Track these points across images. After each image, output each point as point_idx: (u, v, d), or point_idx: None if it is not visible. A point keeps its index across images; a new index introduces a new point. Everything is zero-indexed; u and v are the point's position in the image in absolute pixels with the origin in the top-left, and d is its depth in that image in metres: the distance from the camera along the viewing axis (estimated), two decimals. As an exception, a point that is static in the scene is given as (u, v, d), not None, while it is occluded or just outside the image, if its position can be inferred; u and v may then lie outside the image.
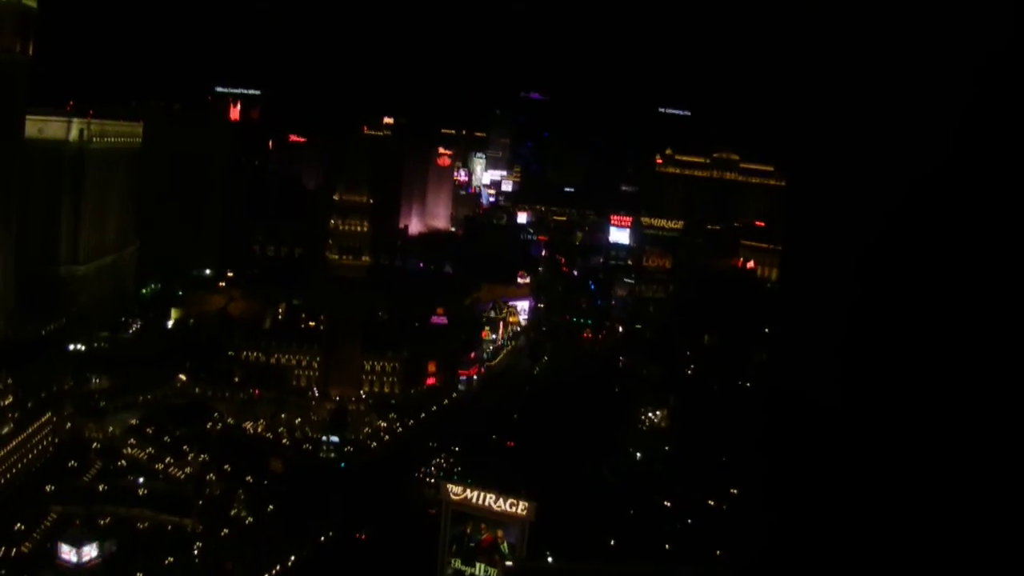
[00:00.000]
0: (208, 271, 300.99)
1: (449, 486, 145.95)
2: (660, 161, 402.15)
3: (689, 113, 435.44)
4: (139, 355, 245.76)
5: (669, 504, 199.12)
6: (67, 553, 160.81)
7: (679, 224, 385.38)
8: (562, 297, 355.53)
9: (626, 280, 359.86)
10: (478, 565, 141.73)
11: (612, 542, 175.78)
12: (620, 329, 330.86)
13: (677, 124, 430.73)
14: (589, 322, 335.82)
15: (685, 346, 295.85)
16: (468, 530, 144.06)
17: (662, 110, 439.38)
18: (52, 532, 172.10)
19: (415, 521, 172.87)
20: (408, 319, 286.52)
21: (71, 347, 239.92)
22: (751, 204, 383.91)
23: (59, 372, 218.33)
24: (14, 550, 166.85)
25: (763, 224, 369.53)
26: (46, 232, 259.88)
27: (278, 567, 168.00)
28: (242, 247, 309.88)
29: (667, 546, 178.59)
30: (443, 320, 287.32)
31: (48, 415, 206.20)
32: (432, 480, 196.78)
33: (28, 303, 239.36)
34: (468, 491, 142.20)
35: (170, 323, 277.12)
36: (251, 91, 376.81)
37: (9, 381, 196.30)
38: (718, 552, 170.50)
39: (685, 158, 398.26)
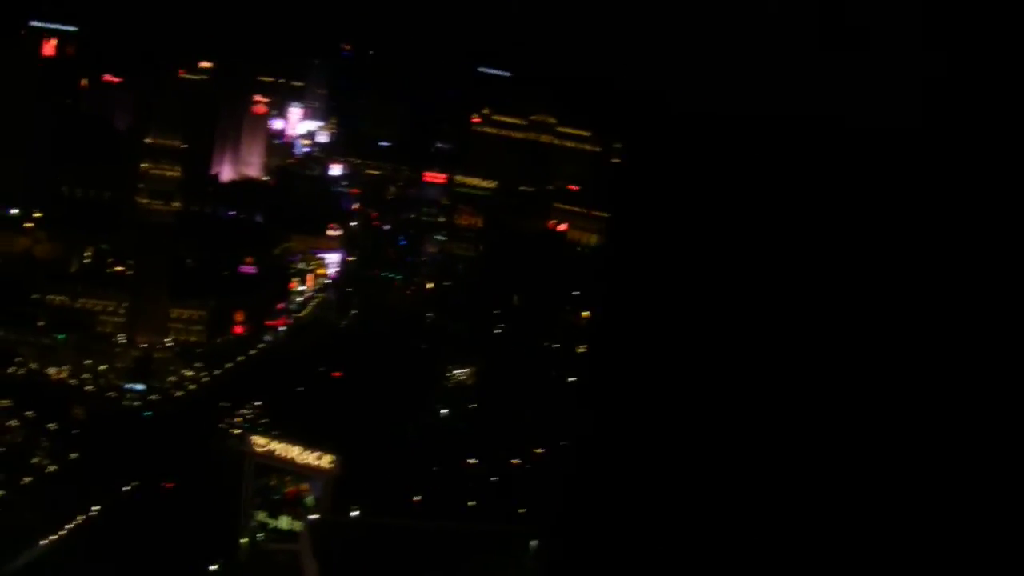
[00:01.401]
0: (13, 211, 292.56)
1: (253, 437, 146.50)
2: (477, 120, 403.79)
3: (509, 74, 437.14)
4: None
5: (473, 462, 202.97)
6: None
7: (493, 184, 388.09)
8: (372, 251, 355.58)
9: (437, 237, 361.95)
10: (283, 518, 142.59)
11: (417, 498, 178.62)
12: (429, 286, 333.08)
13: (496, 85, 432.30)
14: (399, 277, 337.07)
15: (494, 305, 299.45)
16: (273, 483, 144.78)
17: (482, 70, 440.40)
18: None
19: (219, 472, 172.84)
20: (216, 267, 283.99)
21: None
22: (566, 168, 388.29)
23: None
24: None
25: (577, 188, 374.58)
26: None
27: (82, 517, 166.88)
28: (49, 188, 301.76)
29: (471, 503, 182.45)
30: (252, 270, 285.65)
31: None
32: (237, 431, 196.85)
33: None
34: (272, 443, 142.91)
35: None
36: (68, 27, 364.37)
37: None
38: (521, 510, 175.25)
39: (502, 119, 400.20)
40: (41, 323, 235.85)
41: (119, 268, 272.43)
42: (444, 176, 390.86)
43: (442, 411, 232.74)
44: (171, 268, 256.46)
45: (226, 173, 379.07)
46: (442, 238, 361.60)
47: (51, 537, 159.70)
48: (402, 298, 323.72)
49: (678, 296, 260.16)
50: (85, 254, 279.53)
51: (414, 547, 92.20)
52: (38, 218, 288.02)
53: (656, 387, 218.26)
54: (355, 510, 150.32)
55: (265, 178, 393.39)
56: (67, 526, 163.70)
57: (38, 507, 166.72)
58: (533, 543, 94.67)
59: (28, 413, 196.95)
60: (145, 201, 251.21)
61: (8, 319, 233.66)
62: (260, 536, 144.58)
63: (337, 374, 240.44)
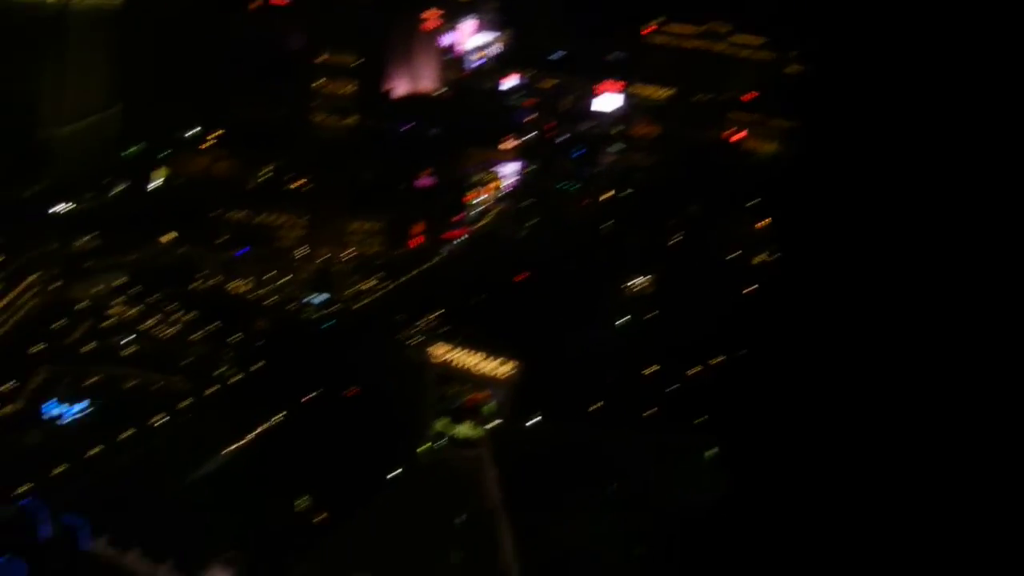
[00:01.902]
0: (192, 132, 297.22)
1: (433, 347, 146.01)
2: (652, 29, 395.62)
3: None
4: (124, 216, 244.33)
5: (651, 371, 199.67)
6: (54, 412, 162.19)
7: (669, 93, 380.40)
8: (548, 162, 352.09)
9: (613, 147, 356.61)
10: (463, 426, 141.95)
11: (595, 407, 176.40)
12: (606, 196, 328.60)
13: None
14: (575, 188, 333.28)
15: (671, 215, 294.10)
16: (453, 391, 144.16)
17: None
18: (40, 392, 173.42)
19: (400, 382, 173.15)
20: (394, 181, 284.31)
21: (55, 209, 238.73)
22: (742, 77, 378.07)
23: (44, 233, 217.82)
24: (2, 410, 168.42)
25: (754, 97, 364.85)
26: (28, 95, 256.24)
27: (265, 425, 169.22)
28: (227, 108, 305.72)
29: (648, 412, 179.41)
30: (429, 182, 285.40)
31: (34, 276, 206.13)
32: (417, 341, 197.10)
33: (10, 166, 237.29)
34: (452, 352, 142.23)
35: (155, 184, 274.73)
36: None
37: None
38: (698, 421, 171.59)
39: (676, 28, 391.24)
40: (223, 239, 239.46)
41: (297, 183, 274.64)
42: (619, 86, 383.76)
43: (619, 320, 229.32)
44: (348, 182, 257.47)
45: (400, 88, 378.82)
46: (618, 148, 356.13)
47: (235, 445, 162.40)
48: (579, 209, 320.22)
49: (857, 208, 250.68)
50: (263, 171, 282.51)
51: (592, 455, 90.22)
52: (217, 138, 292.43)
53: (833, 301, 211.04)
54: (534, 418, 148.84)
55: (439, 92, 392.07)
56: (250, 435, 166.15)
57: (223, 416, 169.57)
58: (709, 453, 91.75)
59: (212, 326, 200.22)
60: (320, 117, 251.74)
61: (191, 236, 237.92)
62: (440, 444, 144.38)
63: (521, 276, 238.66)
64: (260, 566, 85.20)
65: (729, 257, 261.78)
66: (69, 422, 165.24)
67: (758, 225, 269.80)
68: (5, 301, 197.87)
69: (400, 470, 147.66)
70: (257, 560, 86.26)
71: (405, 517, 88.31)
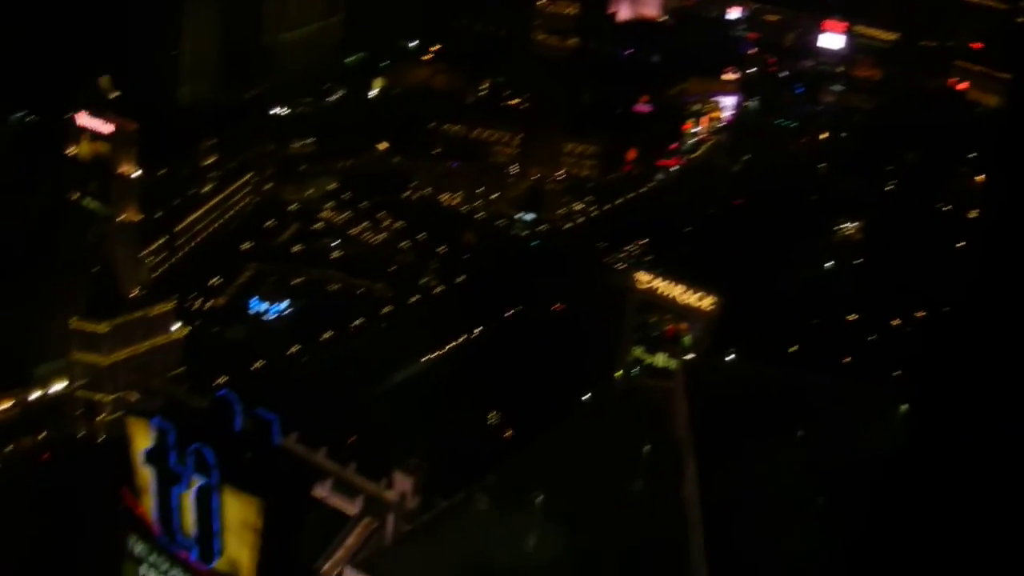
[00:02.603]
0: (413, 43, 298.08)
1: (637, 274, 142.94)
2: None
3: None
4: (341, 122, 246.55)
5: (853, 318, 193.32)
6: (259, 308, 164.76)
7: (894, 36, 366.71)
8: (768, 98, 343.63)
9: (834, 87, 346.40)
10: (659, 355, 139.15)
11: (793, 348, 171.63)
12: (823, 136, 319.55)
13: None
14: (793, 125, 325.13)
15: (887, 161, 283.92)
16: (653, 319, 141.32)
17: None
18: (247, 288, 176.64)
19: (601, 305, 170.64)
20: (611, 105, 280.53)
21: (274, 112, 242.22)
22: (970, 25, 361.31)
23: (261, 135, 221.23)
24: (209, 303, 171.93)
25: (981, 46, 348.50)
26: (252, 1, 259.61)
27: (464, 337, 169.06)
28: (449, 22, 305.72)
29: (846, 359, 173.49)
30: (646, 108, 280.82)
31: (249, 176, 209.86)
32: (622, 267, 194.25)
33: (233, 69, 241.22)
34: (656, 281, 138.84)
35: (373, 93, 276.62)
36: None
37: (213, 141, 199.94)
38: (896, 373, 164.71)
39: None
40: (437, 151, 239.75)
41: (514, 101, 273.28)
42: (844, 25, 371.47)
43: (826, 264, 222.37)
44: (566, 103, 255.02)
45: (623, 12, 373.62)
46: (839, 88, 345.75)
47: (432, 355, 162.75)
48: (795, 147, 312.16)
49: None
50: (481, 86, 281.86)
51: (785, 397, 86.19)
52: (437, 51, 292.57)
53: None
54: (731, 354, 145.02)
55: (662, 19, 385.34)
56: (448, 346, 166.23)
57: (423, 326, 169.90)
58: (903, 407, 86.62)
59: (421, 236, 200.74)
60: (542, 37, 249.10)
61: (407, 147, 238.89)
62: (635, 371, 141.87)
63: (731, 211, 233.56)
64: (443, 477, 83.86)
65: (943, 209, 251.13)
66: (272, 319, 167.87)
67: (976, 179, 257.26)
68: (219, 198, 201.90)
69: (592, 393, 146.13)
70: (441, 470, 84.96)
71: (592, 441, 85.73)
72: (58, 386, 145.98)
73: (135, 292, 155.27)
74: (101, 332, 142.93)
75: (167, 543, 73.30)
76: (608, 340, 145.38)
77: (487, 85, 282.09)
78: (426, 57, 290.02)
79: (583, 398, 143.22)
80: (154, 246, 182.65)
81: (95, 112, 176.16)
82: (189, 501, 68.66)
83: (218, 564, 68.82)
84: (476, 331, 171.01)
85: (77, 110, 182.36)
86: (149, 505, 73.77)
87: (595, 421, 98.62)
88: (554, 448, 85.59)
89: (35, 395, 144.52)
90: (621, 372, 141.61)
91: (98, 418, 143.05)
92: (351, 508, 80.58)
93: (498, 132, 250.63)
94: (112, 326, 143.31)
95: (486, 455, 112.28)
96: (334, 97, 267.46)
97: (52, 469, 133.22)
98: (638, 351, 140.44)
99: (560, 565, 69.66)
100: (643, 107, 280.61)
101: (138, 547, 76.69)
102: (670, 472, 76.55)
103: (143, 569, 77.30)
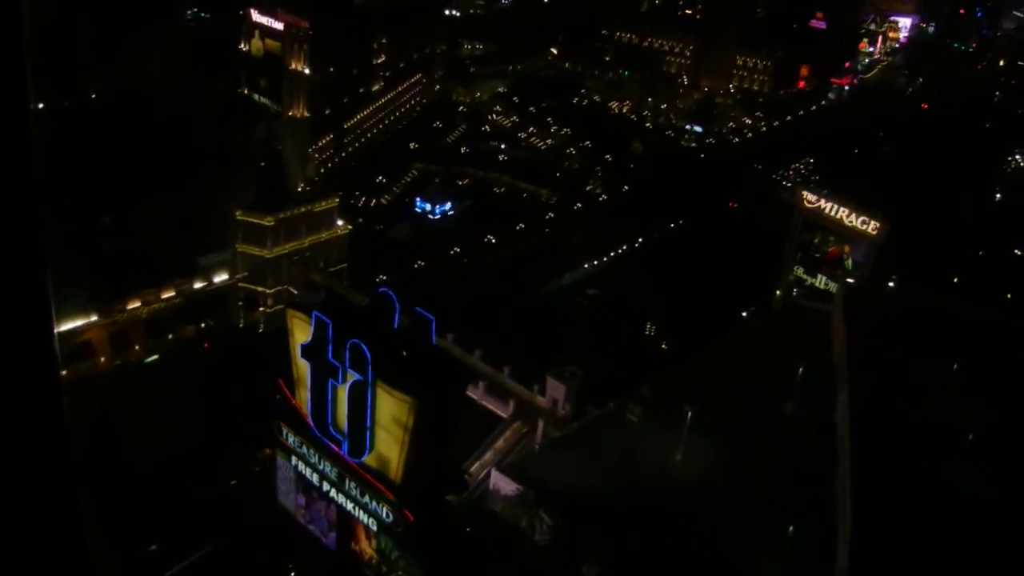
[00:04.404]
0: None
1: (805, 192, 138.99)
2: None
3: None
4: (514, 25, 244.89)
5: (1021, 252, 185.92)
6: (424, 207, 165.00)
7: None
8: (948, 20, 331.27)
9: (1018, 12, 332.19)
10: (819, 277, 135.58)
11: (955, 279, 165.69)
12: (1002, 63, 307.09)
13: None
14: (971, 49, 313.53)
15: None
16: (816, 240, 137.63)
17: None
18: (412, 187, 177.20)
19: (763, 220, 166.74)
20: (786, 19, 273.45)
21: (447, 12, 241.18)
22: None
23: (433, 36, 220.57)
24: (374, 200, 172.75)
25: None
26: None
27: (624, 247, 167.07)
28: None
29: (1010, 295, 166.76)
30: (821, 25, 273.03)
31: (419, 76, 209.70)
32: (788, 184, 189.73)
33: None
34: (823, 201, 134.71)
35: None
36: None
37: (383, 41, 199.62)
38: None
39: None
40: (608, 58, 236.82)
41: (689, 11, 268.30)
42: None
43: (996, 197, 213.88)
44: (740, 15, 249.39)
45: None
46: (1021, 14, 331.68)
47: (594, 262, 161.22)
48: (972, 72, 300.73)
49: None
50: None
51: (944, 327, 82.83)
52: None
53: None
54: (892, 280, 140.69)
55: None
56: (609, 254, 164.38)
57: (587, 232, 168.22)
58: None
59: (587, 143, 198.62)
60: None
61: (578, 53, 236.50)
62: (795, 291, 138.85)
63: (900, 137, 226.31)
64: (597, 386, 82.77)
65: None
66: (436, 219, 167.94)
67: None
68: (388, 98, 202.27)
69: (751, 311, 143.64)
70: (595, 379, 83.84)
71: (747, 358, 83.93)
72: (221, 277, 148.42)
73: (301, 187, 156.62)
74: (267, 225, 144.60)
75: (319, 435, 73.62)
76: (770, 258, 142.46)
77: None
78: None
79: (742, 315, 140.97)
80: (322, 143, 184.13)
81: (268, 10, 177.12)
82: (343, 395, 68.58)
83: (367, 459, 68.71)
84: (639, 240, 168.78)
85: (250, 7, 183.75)
86: (304, 397, 74.02)
87: (752, 339, 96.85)
88: (709, 363, 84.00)
89: (199, 285, 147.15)
90: (781, 291, 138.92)
91: (259, 310, 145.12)
92: (503, 412, 79.97)
93: (671, 42, 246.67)
94: (277, 220, 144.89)
95: (641, 366, 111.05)
96: (507, 0, 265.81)
97: (212, 357, 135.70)
98: (799, 271, 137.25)
99: (707, 480, 68.63)
100: (818, 23, 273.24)
101: (291, 437, 77.22)
102: (823, 396, 74.84)
103: (294, 459, 77.91)
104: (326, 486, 75.20)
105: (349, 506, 72.63)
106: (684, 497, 67.64)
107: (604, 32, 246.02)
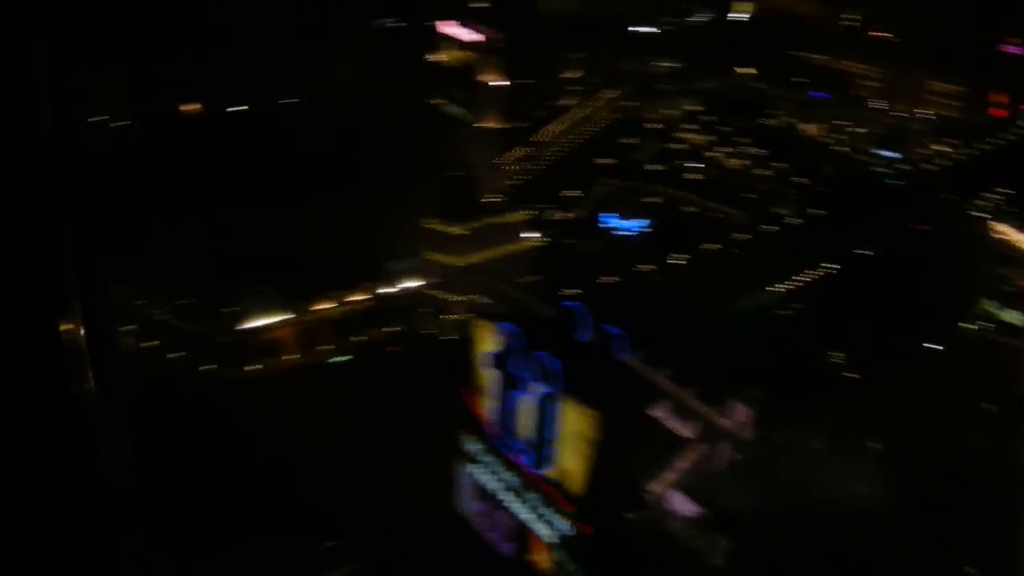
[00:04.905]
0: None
1: (996, 224, 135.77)
2: None
3: None
4: (703, 43, 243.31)
5: None
6: (611, 224, 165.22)
7: None
8: None
9: None
10: (1010, 311, 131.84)
11: None
12: None
13: None
14: None
15: None
16: (1007, 274, 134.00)
17: None
18: (600, 202, 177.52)
19: (957, 252, 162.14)
20: (981, 44, 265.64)
21: (638, 28, 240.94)
22: None
23: (624, 51, 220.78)
24: (560, 214, 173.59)
25: None
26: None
27: (813, 273, 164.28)
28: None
29: None
30: (1017, 50, 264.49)
31: (610, 93, 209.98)
32: (982, 215, 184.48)
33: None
34: (1015, 233, 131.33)
35: (737, 16, 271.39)
36: None
37: (575, 56, 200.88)
38: None
39: None
40: (799, 79, 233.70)
41: (881, 34, 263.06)
42: None
43: None
44: (935, 39, 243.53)
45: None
46: None
47: (781, 286, 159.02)
48: None
49: None
50: (849, 16, 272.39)
51: None
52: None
53: None
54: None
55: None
56: (796, 278, 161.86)
57: (775, 255, 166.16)
58: None
59: (778, 165, 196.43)
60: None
61: (768, 73, 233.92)
62: (983, 325, 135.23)
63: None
64: (780, 411, 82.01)
65: None
66: (624, 235, 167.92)
67: None
68: (581, 114, 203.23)
69: (937, 342, 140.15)
70: (778, 404, 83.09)
71: (933, 390, 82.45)
72: (409, 283, 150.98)
73: (491, 198, 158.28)
74: (456, 235, 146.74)
75: (501, 445, 74.25)
76: (959, 289, 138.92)
77: (856, 15, 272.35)
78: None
79: (927, 345, 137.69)
80: (512, 155, 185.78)
81: (462, 21, 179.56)
82: (528, 407, 69.14)
83: (549, 472, 69.15)
84: (827, 266, 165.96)
85: (442, 18, 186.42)
86: (487, 407, 74.84)
87: (938, 372, 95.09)
88: (893, 394, 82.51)
89: (387, 290, 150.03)
90: (969, 325, 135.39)
91: (445, 317, 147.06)
92: (685, 432, 79.71)
93: (863, 65, 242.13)
94: (467, 229, 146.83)
95: (825, 393, 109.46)
96: (697, 18, 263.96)
97: (398, 362, 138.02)
98: (988, 305, 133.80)
99: (886, 514, 67.47)
100: (1014, 48, 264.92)
101: (472, 446, 78.14)
102: (1011, 433, 72.98)
103: (475, 467, 78.74)
104: (505, 495, 75.97)
105: (527, 516, 73.31)
106: (862, 530, 66.63)
107: (794, 53, 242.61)
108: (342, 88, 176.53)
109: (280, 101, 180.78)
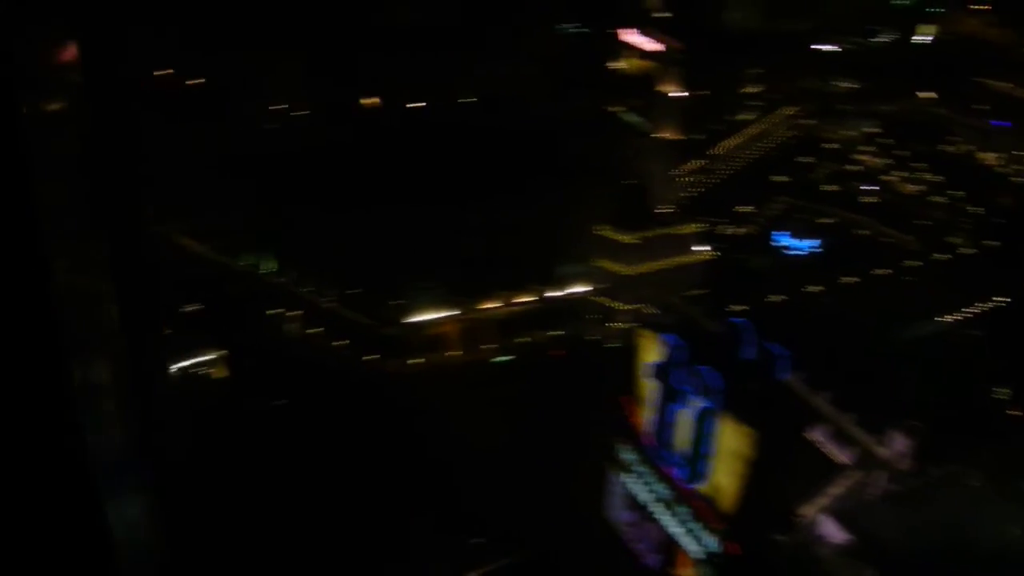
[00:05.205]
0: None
1: None
2: None
3: None
4: (885, 65, 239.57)
5: None
6: (784, 242, 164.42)
7: None
8: None
9: None
10: None
11: None
12: None
13: None
14: None
15: None
16: None
17: None
18: (774, 220, 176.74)
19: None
20: None
21: (818, 48, 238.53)
22: None
23: (804, 70, 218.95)
24: (731, 229, 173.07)
25: None
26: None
27: (987, 304, 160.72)
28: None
29: None
30: None
31: (789, 110, 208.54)
32: None
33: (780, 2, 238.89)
34: None
35: (920, 39, 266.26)
36: None
37: (755, 70, 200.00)
38: None
39: None
40: (981, 106, 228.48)
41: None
42: None
43: None
44: None
45: None
46: None
47: (950, 317, 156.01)
48: None
49: None
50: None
51: None
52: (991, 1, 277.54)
53: None
54: None
55: None
56: (970, 309, 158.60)
57: (947, 285, 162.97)
58: None
59: (955, 192, 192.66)
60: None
61: (950, 98, 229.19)
62: None
63: None
64: (940, 444, 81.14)
65: None
66: (796, 255, 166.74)
67: None
68: (759, 129, 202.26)
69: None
70: (939, 437, 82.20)
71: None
72: (577, 288, 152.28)
73: (665, 209, 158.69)
74: (627, 243, 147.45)
75: (655, 457, 74.94)
76: None
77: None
78: (979, 7, 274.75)
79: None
80: (687, 166, 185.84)
81: (644, 30, 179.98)
82: (685, 420, 69.75)
83: (701, 487, 69.64)
84: (998, 299, 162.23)
85: (625, 26, 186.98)
86: (645, 417, 75.60)
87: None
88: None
89: (554, 293, 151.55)
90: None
91: (610, 325, 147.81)
92: (842, 457, 79.37)
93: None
94: (639, 239, 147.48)
95: (987, 430, 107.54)
96: (880, 38, 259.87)
97: (560, 366, 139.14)
98: None
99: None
100: None
101: (627, 455, 78.89)
102: None
103: (628, 476, 79.47)
104: (656, 507, 76.59)
105: (676, 530, 73.83)
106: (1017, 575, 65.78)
107: (977, 79, 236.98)
108: (523, 90, 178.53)
109: (458, 100, 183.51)
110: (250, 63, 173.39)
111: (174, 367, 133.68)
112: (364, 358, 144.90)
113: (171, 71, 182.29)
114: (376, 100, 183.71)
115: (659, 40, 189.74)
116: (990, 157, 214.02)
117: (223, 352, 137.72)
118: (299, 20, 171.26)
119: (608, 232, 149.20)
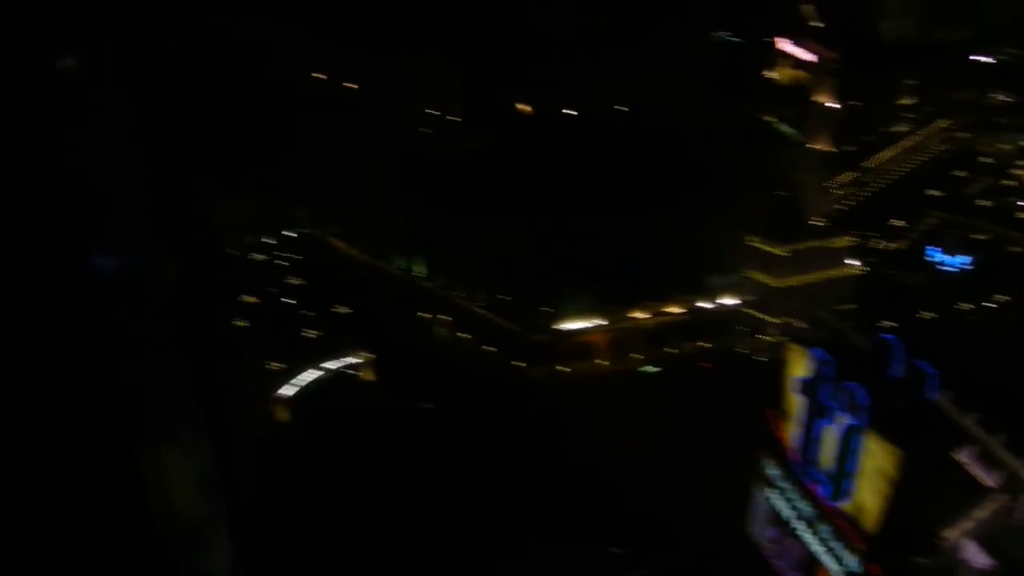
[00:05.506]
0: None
1: None
2: None
3: None
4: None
5: None
6: (937, 258, 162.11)
7: None
8: None
9: None
10: None
11: None
12: None
13: None
14: None
15: None
16: None
17: None
18: (928, 235, 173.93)
19: None
20: None
21: (976, 59, 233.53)
22: None
23: (961, 81, 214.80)
24: (884, 243, 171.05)
25: None
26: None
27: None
28: None
29: None
30: None
31: (944, 122, 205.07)
32: None
33: (938, 9, 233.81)
34: None
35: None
36: None
37: (910, 82, 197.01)
38: None
39: None
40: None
41: None
42: None
43: None
44: None
45: None
46: None
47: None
48: None
49: None
50: None
51: None
52: None
53: None
54: None
55: None
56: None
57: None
58: None
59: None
60: None
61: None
62: None
63: None
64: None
65: None
66: (946, 271, 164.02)
67: None
68: (913, 142, 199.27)
69: None
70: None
71: None
72: (727, 300, 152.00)
73: (816, 221, 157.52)
74: (779, 255, 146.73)
75: (800, 473, 75.10)
76: None
77: None
78: None
79: None
80: (840, 178, 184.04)
81: (798, 40, 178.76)
82: (832, 437, 69.84)
83: (845, 505, 69.64)
84: None
85: (779, 35, 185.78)
86: (791, 432, 75.84)
87: None
88: None
89: (704, 305, 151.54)
90: None
91: (759, 338, 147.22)
92: (988, 480, 78.36)
93: None
94: (790, 251, 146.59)
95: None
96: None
97: (708, 378, 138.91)
98: None
99: None
100: None
101: (772, 470, 79.15)
102: None
103: (772, 492, 79.70)
104: (798, 524, 76.77)
105: (817, 548, 73.93)
106: None
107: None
108: (677, 98, 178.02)
109: (613, 107, 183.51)
110: (402, 64, 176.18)
111: (325, 367, 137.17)
112: (512, 362, 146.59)
113: (325, 75, 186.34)
114: (528, 108, 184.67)
115: (813, 50, 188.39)
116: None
117: (372, 355, 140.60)
118: (452, 21, 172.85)
119: (759, 243, 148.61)
